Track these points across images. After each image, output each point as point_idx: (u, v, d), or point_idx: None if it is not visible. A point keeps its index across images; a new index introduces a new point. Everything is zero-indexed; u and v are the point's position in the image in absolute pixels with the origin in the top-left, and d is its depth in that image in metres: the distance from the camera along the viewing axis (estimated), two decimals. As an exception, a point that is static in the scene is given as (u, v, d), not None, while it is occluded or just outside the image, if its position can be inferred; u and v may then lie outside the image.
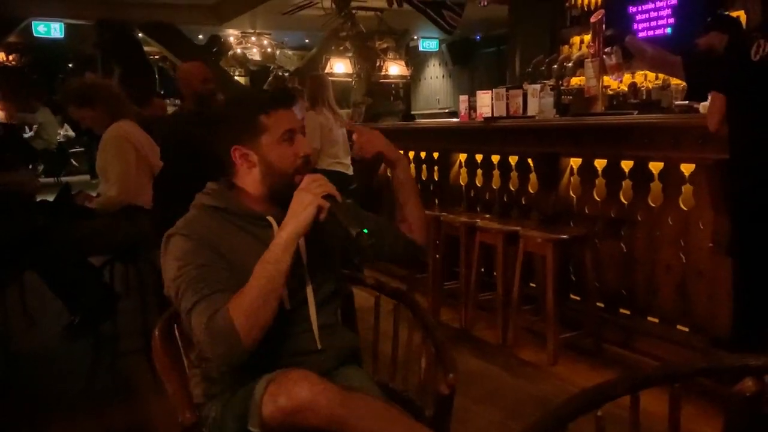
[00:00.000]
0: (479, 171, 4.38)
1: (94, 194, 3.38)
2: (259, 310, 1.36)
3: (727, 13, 5.32)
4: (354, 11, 7.63)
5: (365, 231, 1.43)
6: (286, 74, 12.91)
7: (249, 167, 1.54)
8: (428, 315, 1.71)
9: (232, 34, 12.99)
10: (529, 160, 3.92)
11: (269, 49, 13.06)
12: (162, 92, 12.62)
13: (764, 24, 2.49)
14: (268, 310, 1.38)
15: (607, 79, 4.30)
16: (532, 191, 3.96)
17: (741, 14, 5.45)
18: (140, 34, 11.66)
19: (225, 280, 1.41)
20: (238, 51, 13.15)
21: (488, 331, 3.71)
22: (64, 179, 11.60)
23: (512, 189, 4.12)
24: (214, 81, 3.38)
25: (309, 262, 1.57)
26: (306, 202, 1.42)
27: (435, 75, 15.53)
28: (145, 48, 12.00)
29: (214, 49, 13.05)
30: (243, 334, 1.34)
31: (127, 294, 3.73)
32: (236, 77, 14.02)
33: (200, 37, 13.43)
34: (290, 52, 14.00)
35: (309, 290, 1.56)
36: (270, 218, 1.54)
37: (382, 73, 9.87)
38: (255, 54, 13.02)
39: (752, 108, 2.44)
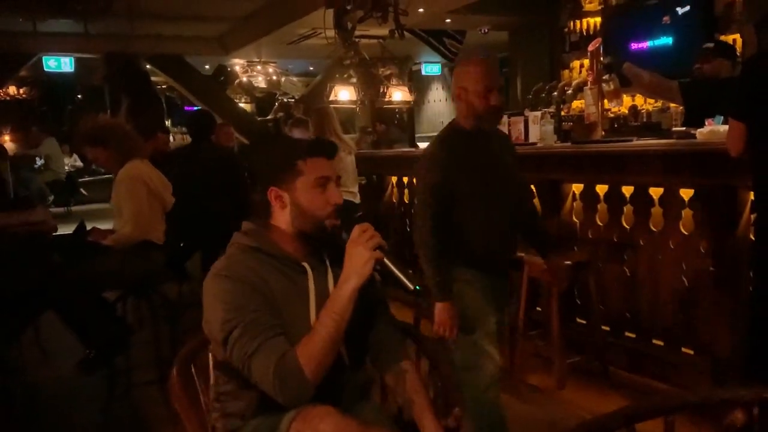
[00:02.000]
0: (483, 197, 4.41)
1: (104, 228, 3.44)
2: (326, 355, 1.48)
3: (722, 37, 5.42)
4: (357, 40, 7.74)
5: (418, 288, 1.51)
6: (291, 101, 13.06)
7: (281, 207, 1.62)
8: (434, 348, 1.76)
9: (237, 64, 13.18)
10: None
11: (274, 77, 13.20)
12: (168, 121, 12.82)
13: None
14: (332, 355, 1.50)
15: (607, 103, 4.38)
16: (535, 217, 4.01)
17: (737, 38, 5.55)
18: (148, 66, 11.85)
19: (278, 323, 1.49)
20: (244, 79, 13.30)
21: (496, 357, 3.75)
22: (73, 209, 11.75)
23: (516, 214, 4.17)
24: (501, 94, 2.34)
25: None
26: (366, 258, 1.51)
27: (438, 98, 15.67)
28: (153, 78, 12.18)
29: (221, 79, 13.25)
30: (311, 377, 1.45)
31: (139, 326, 3.79)
32: (242, 104, 14.19)
33: (206, 67, 13.65)
34: (295, 79, 14.17)
35: None
36: (305, 265, 1.61)
37: (386, 99, 9.96)
38: (260, 82, 13.16)
39: None
